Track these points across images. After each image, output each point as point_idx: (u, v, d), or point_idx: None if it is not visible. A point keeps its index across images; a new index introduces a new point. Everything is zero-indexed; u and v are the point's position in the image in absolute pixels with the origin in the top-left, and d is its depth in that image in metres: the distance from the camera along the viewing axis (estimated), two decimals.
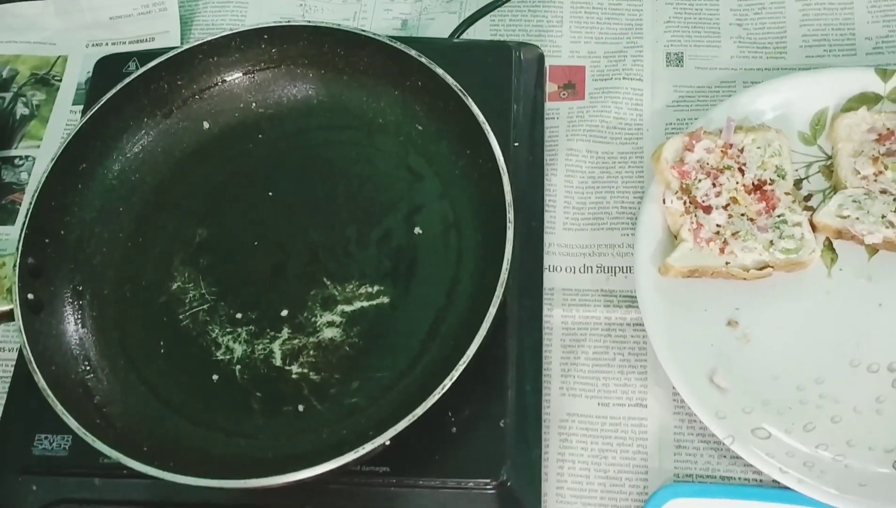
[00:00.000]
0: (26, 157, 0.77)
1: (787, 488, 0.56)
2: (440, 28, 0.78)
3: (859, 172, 0.64)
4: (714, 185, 0.64)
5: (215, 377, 0.59)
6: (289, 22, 0.66)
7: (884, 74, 0.67)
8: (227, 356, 0.59)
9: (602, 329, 0.65)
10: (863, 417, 0.59)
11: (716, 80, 0.73)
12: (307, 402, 0.57)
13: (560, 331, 0.65)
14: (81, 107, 0.77)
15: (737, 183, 0.64)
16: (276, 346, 0.59)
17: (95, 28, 0.82)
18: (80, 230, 0.63)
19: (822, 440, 0.58)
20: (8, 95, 0.80)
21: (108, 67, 0.73)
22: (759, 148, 0.65)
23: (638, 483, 0.60)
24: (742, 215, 0.63)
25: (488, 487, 0.55)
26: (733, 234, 0.63)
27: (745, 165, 0.65)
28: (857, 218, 0.62)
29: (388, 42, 0.62)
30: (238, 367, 0.59)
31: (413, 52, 0.62)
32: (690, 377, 0.59)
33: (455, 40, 0.73)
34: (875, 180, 0.63)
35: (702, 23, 0.76)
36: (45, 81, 0.81)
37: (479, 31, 0.76)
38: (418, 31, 0.79)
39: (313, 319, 0.60)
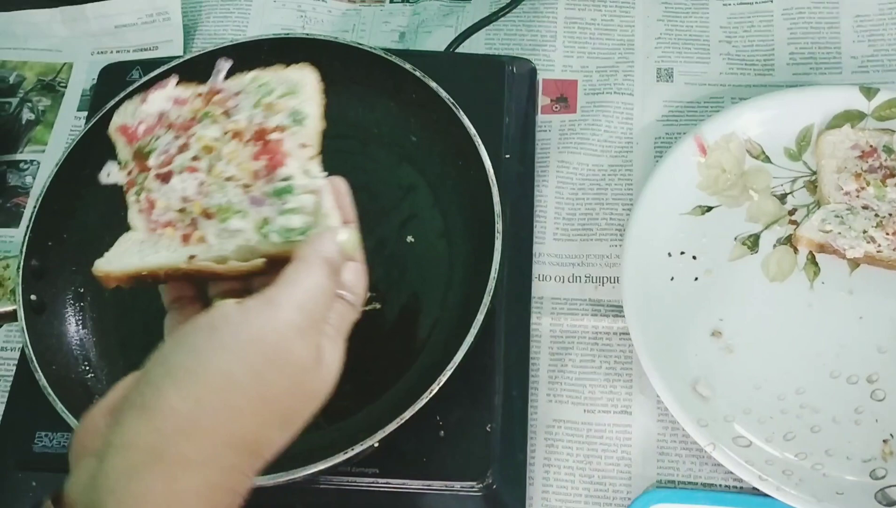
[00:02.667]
0: (31, 161, 0.79)
1: (766, 495, 0.57)
2: (437, 41, 0.79)
3: (842, 188, 0.65)
4: (178, 136, 0.45)
5: None
6: (288, 34, 0.67)
7: (868, 92, 0.69)
8: None
9: (589, 338, 0.66)
10: (842, 427, 0.60)
11: (705, 95, 0.75)
12: None
13: (548, 339, 0.67)
14: (86, 113, 0.79)
15: (223, 132, 0.44)
16: None
17: (101, 36, 0.84)
18: (82, 234, 0.64)
19: (802, 449, 0.60)
20: (14, 101, 0.82)
21: (113, 75, 0.74)
22: (261, 86, 0.46)
23: (621, 488, 0.61)
24: (230, 178, 0.44)
25: (474, 490, 0.57)
26: (205, 212, 0.44)
27: (235, 108, 0.45)
28: (840, 233, 0.64)
29: (383, 55, 0.64)
30: None
31: (408, 66, 0.63)
32: (674, 385, 0.61)
33: (449, 54, 0.74)
34: (857, 196, 0.65)
35: (692, 40, 0.78)
36: (51, 87, 0.83)
37: (474, 45, 0.78)
38: (415, 44, 0.80)
39: None
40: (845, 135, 0.67)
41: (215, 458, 0.34)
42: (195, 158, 0.44)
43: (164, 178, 0.44)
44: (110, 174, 0.47)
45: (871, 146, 0.66)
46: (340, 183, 0.45)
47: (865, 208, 0.64)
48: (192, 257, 0.43)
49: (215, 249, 0.43)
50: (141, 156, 0.45)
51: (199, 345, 0.36)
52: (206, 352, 0.35)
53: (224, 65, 0.47)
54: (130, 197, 0.46)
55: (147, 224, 0.45)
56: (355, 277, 0.43)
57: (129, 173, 0.46)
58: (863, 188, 0.65)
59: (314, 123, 0.46)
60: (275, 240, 0.43)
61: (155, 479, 0.33)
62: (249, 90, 0.46)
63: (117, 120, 0.47)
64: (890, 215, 0.64)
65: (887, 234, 0.63)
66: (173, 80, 0.47)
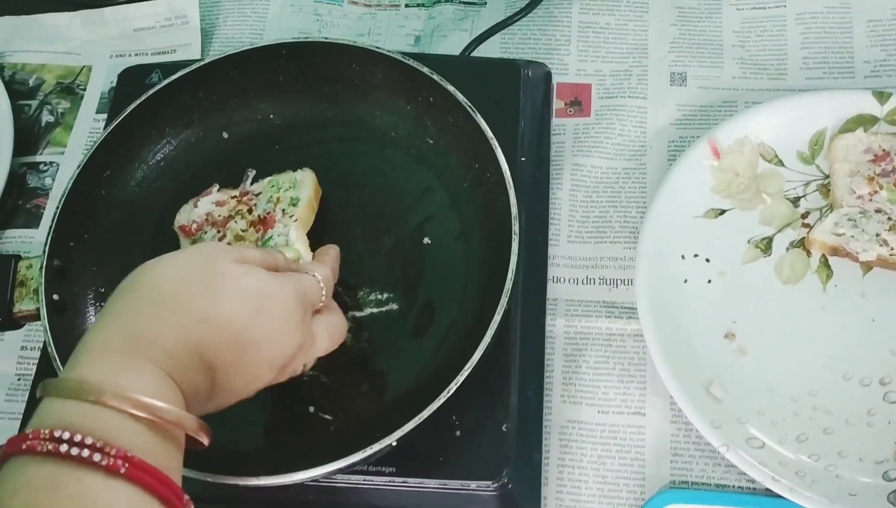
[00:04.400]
0: (51, 163, 0.80)
1: (779, 496, 0.58)
2: (452, 45, 0.80)
3: (855, 192, 0.66)
4: (220, 231, 0.63)
5: None
6: (306, 38, 0.68)
7: (881, 96, 0.69)
8: None
9: (603, 339, 0.67)
10: (854, 429, 0.61)
11: (718, 99, 0.75)
12: (317, 403, 0.59)
13: (562, 340, 0.67)
14: (105, 115, 0.79)
15: (248, 225, 0.63)
16: None
17: (120, 39, 0.85)
18: (103, 235, 0.65)
19: (815, 450, 0.60)
20: (34, 103, 0.83)
21: (132, 78, 0.75)
22: (272, 187, 0.64)
23: (635, 488, 0.62)
24: None
25: (490, 489, 0.57)
26: None
27: (255, 205, 0.64)
28: (853, 236, 0.64)
29: (400, 59, 0.65)
30: None
31: (425, 69, 0.64)
32: (688, 387, 0.61)
33: (466, 57, 0.75)
34: (870, 200, 0.65)
35: (705, 44, 0.78)
36: (70, 89, 0.84)
37: (489, 49, 0.79)
38: (431, 48, 0.81)
39: None
40: (858, 139, 0.68)
41: (174, 308, 0.42)
42: (228, 243, 0.61)
43: None
44: None
45: (883, 150, 0.67)
46: (334, 247, 0.58)
47: (878, 211, 0.65)
48: None
49: None
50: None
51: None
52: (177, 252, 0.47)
53: (250, 173, 0.65)
54: None
55: None
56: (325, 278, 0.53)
57: None
58: (875, 192, 0.65)
59: (304, 203, 0.62)
60: None
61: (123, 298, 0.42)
62: (266, 190, 0.64)
63: (179, 220, 0.64)
64: None
65: None
66: (215, 187, 0.65)
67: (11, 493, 0.34)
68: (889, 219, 0.64)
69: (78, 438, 0.34)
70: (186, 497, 0.38)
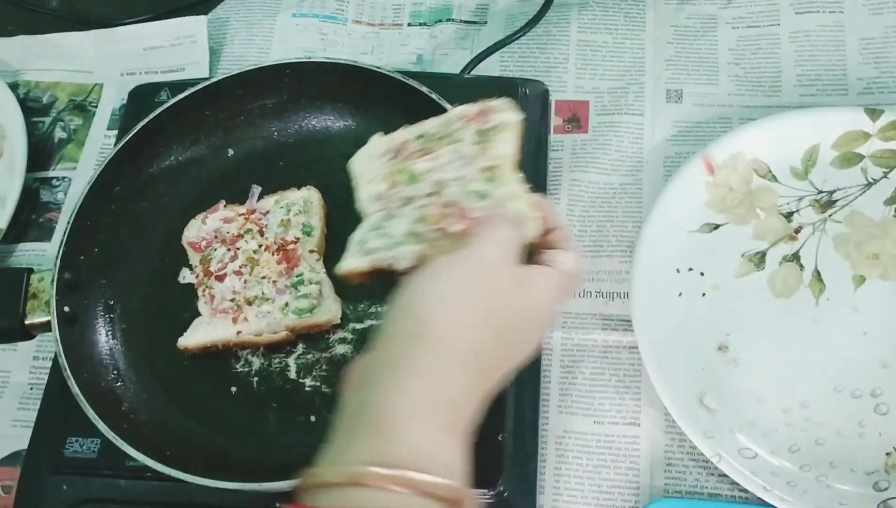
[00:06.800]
0: (63, 178, 0.82)
1: (771, 506, 0.59)
2: (453, 63, 0.82)
3: (377, 196, 0.53)
4: (230, 250, 0.65)
5: (234, 388, 0.63)
6: (310, 58, 0.70)
7: (873, 113, 0.70)
8: (246, 369, 0.63)
9: (599, 351, 0.68)
10: (846, 440, 0.62)
11: (713, 116, 0.77)
12: (319, 413, 0.61)
13: (559, 352, 0.69)
14: (115, 132, 0.81)
15: (258, 246, 0.65)
16: (291, 360, 0.63)
17: (130, 58, 0.87)
18: (113, 248, 0.67)
19: (806, 461, 0.61)
20: (47, 120, 0.85)
21: (142, 96, 0.77)
22: (281, 208, 0.66)
23: (629, 497, 0.63)
24: (264, 277, 0.64)
25: (486, 497, 0.58)
26: (247, 300, 0.63)
27: (266, 226, 0.66)
28: (383, 246, 0.50)
29: (401, 79, 0.67)
30: (255, 379, 0.63)
31: (424, 89, 0.66)
32: (681, 398, 0.63)
33: (465, 76, 0.77)
34: (393, 194, 0.52)
35: (701, 62, 0.80)
36: (82, 106, 0.86)
37: (489, 67, 0.80)
38: (432, 66, 0.83)
39: (326, 335, 0.63)
40: (374, 146, 0.55)
41: (458, 340, 0.43)
42: (242, 265, 0.64)
43: (221, 279, 0.64)
44: (185, 277, 0.66)
45: (401, 142, 0.54)
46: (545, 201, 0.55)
47: (408, 201, 0.51)
48: (238, 332, 0.62)
49: (254, 326, 0.62)
50: (205, 262, 0.65)
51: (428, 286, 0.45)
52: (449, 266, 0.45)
53: (256, 190, 0.68)
54: (199, 292, 0.64)
55: (210, 311, 0.63)
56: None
57: (197, 277, 0.65)
58: (396, 184, 0.52)
59: (319, 233, 0.65)
60: (292, 317, 0.62)
61: (420, 351, 0.42)
62: (274, 210, 0.66)
63: (188, 236, 0.67)
64: (431, 193, 0.50)
65: (436, 220, 0.49)
66: (222, 203, 0.68)
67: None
68: (421, 206, 0.50)
69: None
70: None
